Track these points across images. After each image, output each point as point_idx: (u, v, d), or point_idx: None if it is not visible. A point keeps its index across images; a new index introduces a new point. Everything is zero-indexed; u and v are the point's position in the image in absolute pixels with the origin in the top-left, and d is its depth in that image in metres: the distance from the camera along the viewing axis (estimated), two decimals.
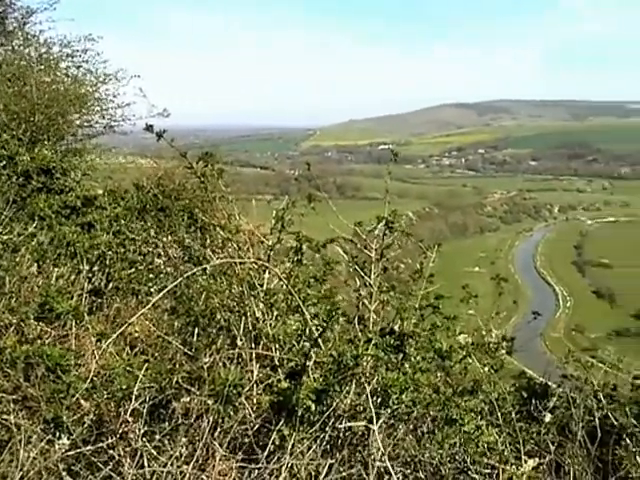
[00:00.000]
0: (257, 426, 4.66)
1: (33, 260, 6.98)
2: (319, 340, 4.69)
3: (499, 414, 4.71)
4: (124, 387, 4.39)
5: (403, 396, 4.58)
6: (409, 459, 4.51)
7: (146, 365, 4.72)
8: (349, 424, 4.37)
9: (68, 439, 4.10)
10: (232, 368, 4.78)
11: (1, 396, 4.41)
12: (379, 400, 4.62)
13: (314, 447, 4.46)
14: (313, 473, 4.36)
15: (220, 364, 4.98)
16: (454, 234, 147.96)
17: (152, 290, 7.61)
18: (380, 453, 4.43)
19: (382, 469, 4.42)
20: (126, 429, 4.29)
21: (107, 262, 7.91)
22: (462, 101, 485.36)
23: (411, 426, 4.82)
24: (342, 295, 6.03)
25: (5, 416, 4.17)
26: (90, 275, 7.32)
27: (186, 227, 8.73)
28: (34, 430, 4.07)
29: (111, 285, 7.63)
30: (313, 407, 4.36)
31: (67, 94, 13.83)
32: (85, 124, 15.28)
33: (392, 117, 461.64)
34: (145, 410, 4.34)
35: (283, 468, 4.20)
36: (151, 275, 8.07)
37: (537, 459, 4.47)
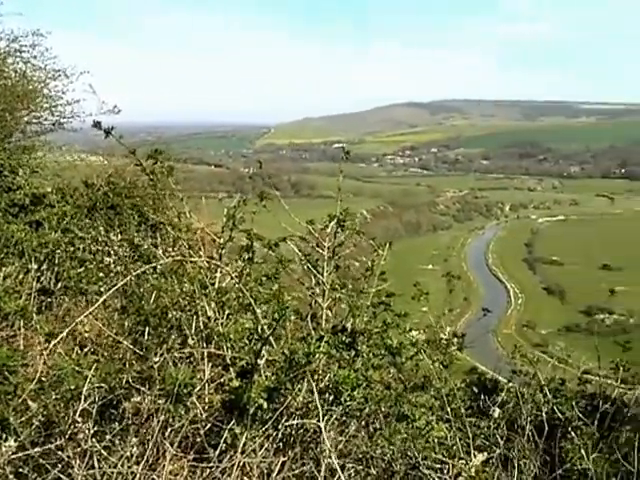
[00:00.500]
0: (209, 425, 4.63)
1: None
2: (270, 338, 4.68)
3: (449, 409, 4.76)
4: (73, 387, 4.33)
5: (355, 393, 4.60)
6: (361, 455, 4.53)
7: (96, 365, 4.65)
8: (301, 422, 4.37)
9: (15, 441, 4.02)
10: (183, 367, 4.74)
11: None
12: (331, 397, 4.63)
13: (266, 445, 4.45)
14: (265, 471, 4.35)
15: (171, 363, 4.94)
16: (408, 232, 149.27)
17: (102, 289, 7.51)
18: (332, 450, 4.44)
19: (334, 466, 4.43)
20: (75, 430, 4.22)
21: (56, 261, 7.78)
22: (415, 100, 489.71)
23: (363, 423, 4.85)
24: (297, 293, 6.03)
25: None
26: (39, 274, 7.20)
27: (136, 225, 8.63)
28: None
29: (60, 284, 7.50)
30: (265, 405, 4.34)
31: (15, 90, 13.54)
32: (34, 121, 14.97)
33: (347, 116, 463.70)
34: (95, 410, 4.28)
35: (235, 467, 4.17)
36: (101, 274, 7.96)
37: (486, 453, 4.53)
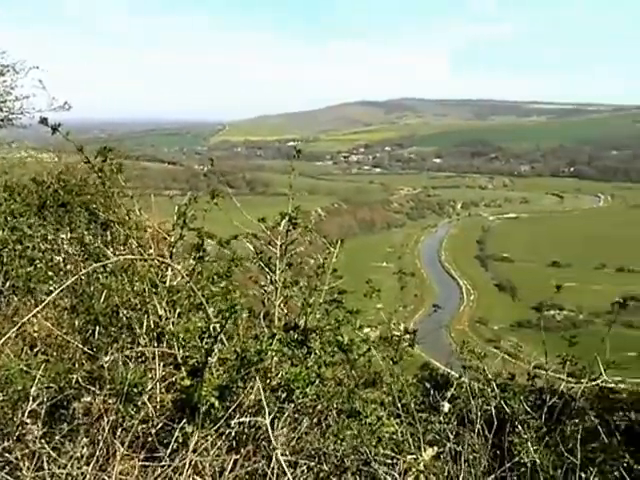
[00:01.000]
0: (160, 424, 4.60)
1: None
2: (222, 337, 4.67)
3: (399, 405, 4.80)
4: (21, 388, 4.26)
5: (307, 390, 4.62)
6: (313, 452, 4.55)
7: (45, 365, 4.59)
8: (253, 419, 4.37)
9: None
10: (134, 367, 4.71)
11: None
12: (283, 395, 4.64)
13: (218, 443, 4.44)
14: (217, 469, 4.34)
15: (121, 363, 4.90)
16: (362, 230, 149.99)
17: (51, 288, 7.39)
18: (284, 447, 4.46)
19: (287, 463, 4.45)
20: (24, 431, 4.16)
21: (4, 260, 7.63)
22: (369, 99, 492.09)
23: (315, 419, 4.87)
24: (252, 291, 6.02)
25: None
26: None
27: (87, 224, 8.50)
28: None
29: (9, 283, 7.37)
30: (216, 404, 4.33)
31: None
32: None
33: (301, 114, 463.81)
34: (44, 411, 4.22)
35: (186, 465, 4.16)
36: (50, 273, 7.82)
37: (436, 448, 4.59)
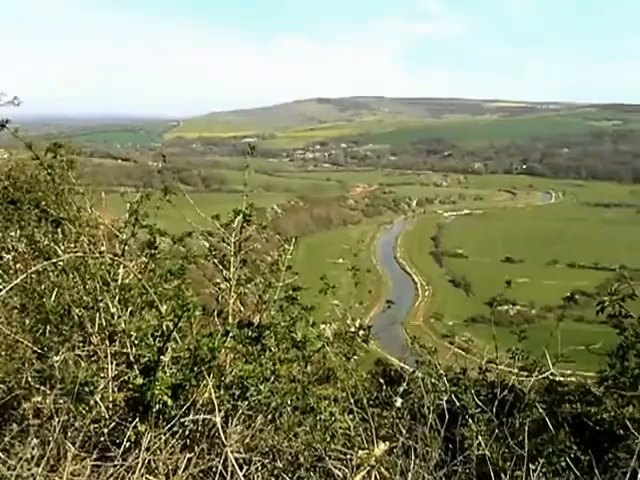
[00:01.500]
0: (112, 423, 4.55)
1: None
2: (176, 335, 4.63)
3: (352, 401, 4.83)
4: None
5: (261, 387, 4.62)
6: (267, 449, 4.55)
7: None
8: (207, 417, 4.35)
9: None
10: (85, 366, 4.65)
11: None
12: (238, 392, 4.63)
13: (172, 442, 4.42)
14: (171, 468, 4.31)
15: (72, 362, 4.83)
16: (319, 227, 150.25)
17: (1, 287, 7.23)
18: (238, 445, 4.45)
19: (241, 460, 4.44)
20: None
21: None
22: (325, 96, 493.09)
23: (270, 416, 4.86)
24: (207, 288, 5.99)
25: None
26: None
27: (37, 221, 8.33)
28: None
29: None
30: (169, 402, 4.30)
31: None
32: None
33: (257, 110, 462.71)
34: None
35: (139, 465, 4.12)
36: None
37: (388, 443, 4.62)
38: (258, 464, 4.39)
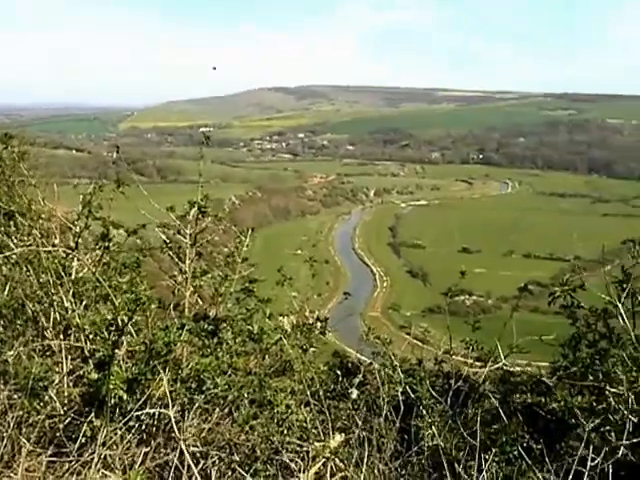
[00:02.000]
0: (68, 419, 4.50)
1: None
2: (131, 328, 4.60)
3: (309, 393, 4.84)
4: None
5: (218, 380, 4.61)
6: (224, 443, 4.54)
7: None
8: (163, 411, 4.33)
9: None
10: (39, 360, 4.59)
11: None
12: (194, 385, 4.62)
13: (128, 437, 4.39)
14: (127, 462, 4.28)
15: (27, 357, 4.76)
16: (277, 217, 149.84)
17: None
18: (195, 438, 4.44)
19: (198, 454, 4.43)
20: None
21: None
22: (282, 85, 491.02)
23: (227, 410, 4.86)
24: (164, 281, 5.94)
25: None
26: None
27: None
28: None
29: None
30: (125, 397, 4.27)
31: None
32: None
33: (213, 99, 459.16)
34: None
35: (95, 460, 4.09)
36: None
37: (344, 434, 4.65)
38: (215, 458, 4.39)
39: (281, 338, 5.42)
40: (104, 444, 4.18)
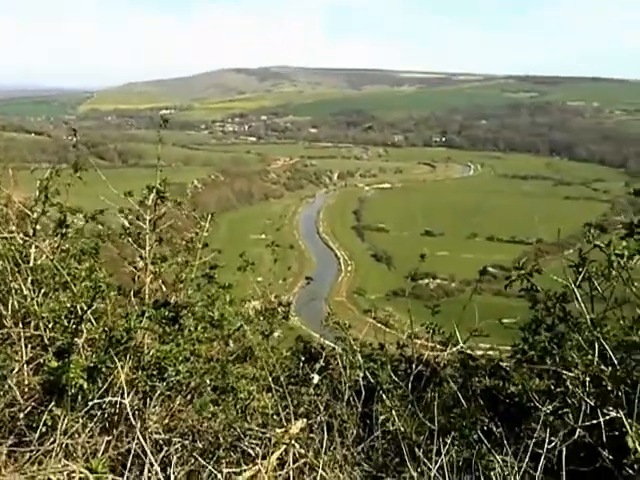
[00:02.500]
0: (28, 408, 4.45)
1: None
2: (90, 316, 4.55)
3: (271, 379, 4.84)
4: None
5: (180, 367, 4.59)
6: (187, 430, 4.53)
7: None
8: (124, 400, 4.29)
9: None
10: None
11: None
12: (155, 373, 4.59)
13: (90, 425, 4.35)
14: (90, 451, 4.25)
15: None
16: (240, 201, 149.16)
17: None
18: (157, 426, 4.42)
19: (160, 441, 4.42)
20: None
21: None
22: (243, 67, 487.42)
23: (189, 397, 4.85)
24: (125, 268, 5.87)
25: None
26: None
27: None
28: None
29: None
30: (85, 385, 4.23)
31: None
32: None
33: (174, 81, 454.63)
34: None
35: (57, 449, 4.05)
36: None
37: (305, 420, 4.67)
38: (178, 445, 4.38)
39: (242, 325, 5.41)
40: (65, 433, 4.15)
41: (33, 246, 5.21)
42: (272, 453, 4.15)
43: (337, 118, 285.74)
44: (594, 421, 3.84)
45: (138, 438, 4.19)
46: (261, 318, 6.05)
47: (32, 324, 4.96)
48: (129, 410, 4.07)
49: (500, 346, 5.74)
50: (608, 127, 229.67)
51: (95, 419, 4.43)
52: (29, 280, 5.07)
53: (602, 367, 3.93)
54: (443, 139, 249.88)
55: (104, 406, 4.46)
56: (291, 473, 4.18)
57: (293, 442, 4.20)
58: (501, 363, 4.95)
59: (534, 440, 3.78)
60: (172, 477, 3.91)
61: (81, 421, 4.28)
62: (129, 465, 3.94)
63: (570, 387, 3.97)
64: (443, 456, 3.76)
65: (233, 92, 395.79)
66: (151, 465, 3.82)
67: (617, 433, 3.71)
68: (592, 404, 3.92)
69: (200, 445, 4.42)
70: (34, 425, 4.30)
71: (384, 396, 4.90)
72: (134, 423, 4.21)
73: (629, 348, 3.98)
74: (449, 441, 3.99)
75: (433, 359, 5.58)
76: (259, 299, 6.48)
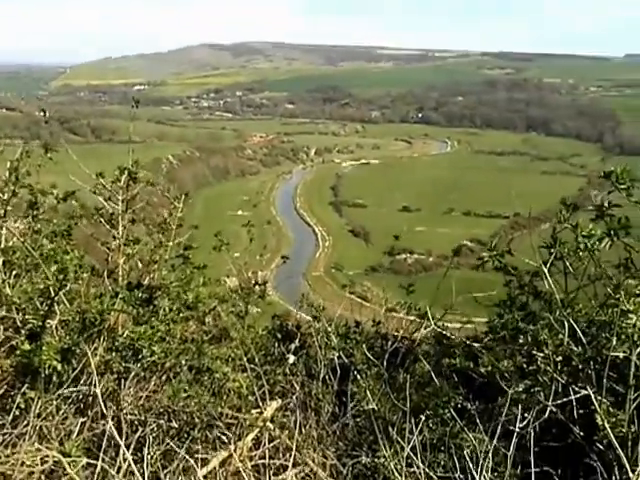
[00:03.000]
0: (1, 391, 4.42)
1: None
2: (63, 297, 4.50)
3: (246, 359, 4.83)
4: None
5: (155, 348, 4.56)
6: (162, 410, 4.52)
7: None
8: (99, 380, 4.27)
9: None
10: None
11: None
12: (130, 354, 4.56)
13: (64, 407, 4.33)
14: (64, 433, 4.23)
15: None
16: (216, 178, 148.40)
17: None
18: (132, 407, 4.41)
19: (136, 422, 4.41)
20: None
21: None
22: (218, 42, 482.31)
23: (164, 377, 4.83)
24: (101, 247, 5.82)
25: None
26: None
27: None
28: None
29: None
30: (59, 367, 4.20)
31: None
32: None
33: (148, 57, 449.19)
34: None
35: (30, 432, 4.02)
36: None
37: (280, 400, 4.69)
38: (153, 425, 4.37)
39: (216, 307, 5.39)
40: (39, 416, 4.12)
41: (4, 228, 5.14)
42: (247, 435, 4.16)
43: (314, 94, 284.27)
44: (565, 399, 3.89)
45: (113, 419, 4.18)
46: (237, 297, 6.03)
47: (4, 306, 4.90)
48: (102, 392, 4.04)
49: (477, 318, 5.75)
50: (584, 103, 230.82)
51: (69, 401, 4.40)
52: (0, 262, 5.00)
53: (572, 347, 3.97)
54: (420, 115, 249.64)
55: (78, 387, 4.44)
56: (267, 452, 4.19)
57: (268, 424, 4.21)
58: (475, 344, 4.97)
59: (507, 418, 3.82)
60: (147, 458, 3.90)
61: (55, 403, 4.25)
62: (104, 446, 3.93)
63: (542, 366, 4.00)
64: (416, 435, 3.78)
65: (207, 68, 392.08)
66: (127, 446, 3.81)
67: (588, 410, 3.76)
68: (563, 382, 3.96)
69: (175, 425, 4.42)
70: (7, 408, 4.26)
71: (358, 376, 4.91)
72: (109, 404, 4.20)
73: (599, 327, 4.02)
74: (422, 420, 4.01)
75: (409, 336, 5.61)
76: (235, 277, 6.47)
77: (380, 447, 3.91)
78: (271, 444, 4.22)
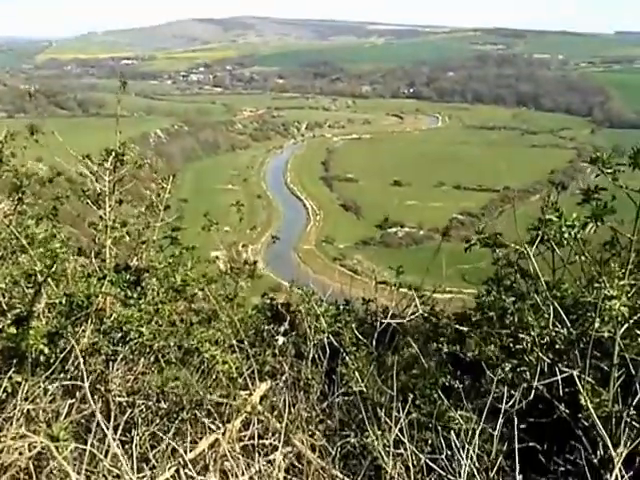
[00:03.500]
0: None
1: None
2: (50, 280, 4.47)
3: (235, 341, 4.83)
4: None
5: (143, 330, 4.56)
6: (151, 392, 4.52)
7: None
8: (87, 363, 4.27)
9: None
10: None
11: None
12: (118, 336, 4.56)
13: (52, 389, 4.32)
14: (52, 415, 4.23)
15: None
16: (206, 152, 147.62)
17: None
18: (120, 388, 4.41)
19: (125, 403, 4.41)
20: None
21: None
22: (207, 16, 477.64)
23: (153, 358, 4.83)
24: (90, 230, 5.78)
25: None
26: None
27: None
28: None
29: None
30: (47, 350, 4.19)
31: None
32: None
33: (135, 30, 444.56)
34: None
35: (17, 415, 4.02)
36: None
37: (270, 382, 4.70)
38: (142, 406, 4.37)
39: (204, 289, 5.37)
40: (26, 399, 4.11)
41: None
42: (236, 418, 4.17)
43: (304, 69, 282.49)
44: (551, 379, 3.92)
45: (102, 400, 4.18)
46: (226, 278, 6.02)
47: None
48: (90, 374, 4.04)
49: (467, 289, 5.75)
50: (573, 79, 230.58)
51: (57, 383, 4.39)
52: None
53: (557, 329, 4.00)
54: (411, 90, 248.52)
55: (67, 370, 4.43)
56: (256, 433, 4.21)
57: (256, 407, 4.22)
58: (462, 327, 4.98)
59: (495, 395, 3.85)
60: (136, 439, 3.91)
61: (42, 386, 4.24)
62: (94, 428, 3.93)
63: (528, 346, 4.03)
64: (404, 415, 3.80)
65: (197, 42, 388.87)
66: (115, 427, 3.82)
67: (574, 388, 3.79)
68: (549, 361, 3.99)
69: (164, 406, 4.43)
70: None
71: (347, 358, 4.91)
72: (97, 387, 4.20)
73: (584, 306, 4.05)
74: (410, 399, 4.04)
75: (399, 313, 5.62)
76: (226, 252, 6.46)
77: (368, 427, 3.93)
78: (260, 424, 4.23)
